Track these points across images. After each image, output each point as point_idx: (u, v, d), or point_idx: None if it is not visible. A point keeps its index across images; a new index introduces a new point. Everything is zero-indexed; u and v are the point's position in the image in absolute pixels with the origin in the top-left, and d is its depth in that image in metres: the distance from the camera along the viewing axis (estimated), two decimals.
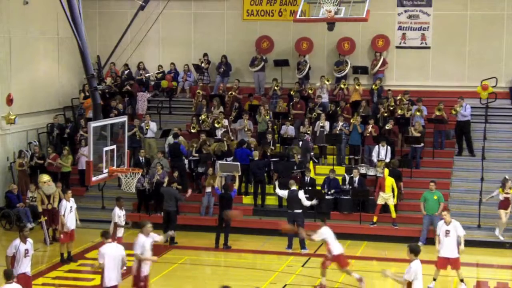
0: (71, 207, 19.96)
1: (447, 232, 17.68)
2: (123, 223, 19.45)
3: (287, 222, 21.07)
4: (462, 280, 17.94)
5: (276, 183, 22.34)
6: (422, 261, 19.97)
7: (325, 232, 17.75)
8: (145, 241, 15.35)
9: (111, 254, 14.80)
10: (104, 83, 18.34)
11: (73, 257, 20.29)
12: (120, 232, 19.47)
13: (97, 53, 23.31)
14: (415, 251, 13.99)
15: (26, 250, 15.28)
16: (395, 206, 22.70)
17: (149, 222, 15.80)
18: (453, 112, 24.91)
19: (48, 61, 27.99)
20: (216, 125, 25.53)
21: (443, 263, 17.81)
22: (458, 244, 17.74)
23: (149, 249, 15.41)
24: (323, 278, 17.81)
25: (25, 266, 15.33)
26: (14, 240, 15.32)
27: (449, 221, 17.80)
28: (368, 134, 24.52)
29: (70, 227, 19.96)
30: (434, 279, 17.92)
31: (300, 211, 21.28)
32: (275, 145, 25.10)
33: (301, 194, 21.28)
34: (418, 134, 24.32)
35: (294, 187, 21.45)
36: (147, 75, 28.73)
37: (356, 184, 23.12)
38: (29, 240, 15.43)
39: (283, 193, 21.71)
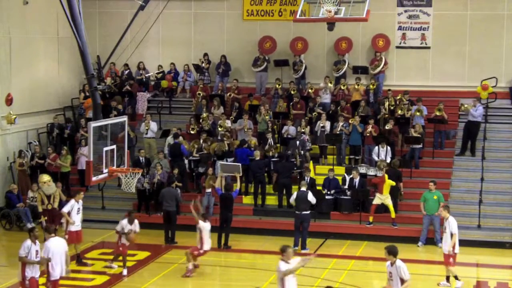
0: (78, 208, 19.55)
1: (444, 229, 17.97)
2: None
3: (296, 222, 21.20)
4: (456, 278, 17.95)
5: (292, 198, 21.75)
6: (423, 261, 20.07)
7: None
8: (285, 266, 13.64)
9: (55, 248, 15.12)
10: (104, 83, 18.33)
11: (82, 258, 20.09)
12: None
13: (97, 53, 23.29)
14: (393, 253, 13.83)
15: (37, 251, 15.11)
16: (395, 206, 22.70)
17: (291, 246, 14.41)
18: (462, 108, 24.87)
19: (48, 61, 27.99)
20: (219, 128, 25.47)
21: (443, 258, 18.12)
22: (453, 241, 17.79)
23: (291, 276, 13.72)
24: (190, 264, 18.92)
25: (36, 270, 15.18)
26: (25, 241, 15.07)
27: (446, 217, 17.87)
28: (368, 134, 24.51)
29: (77, 228, 19.62)
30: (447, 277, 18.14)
31: (308, 212, 21.28)
32: (276, 145, 25.03)
33: (310, 196, 21.25)
34: (418, 135, 24.30)
35: (303, 188, 21.41)
36: (147, 75, 28.73)
37: (356, 186, 23.10)
38: (37, 242, 15.27)
39: (293, 198, 21.57)
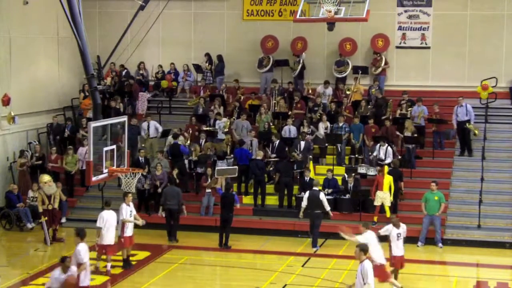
0: (131, 211, 19.22)
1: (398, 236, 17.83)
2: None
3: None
4: None
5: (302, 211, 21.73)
6: (423, 261, 19.99)
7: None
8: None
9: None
10: (104, 83, 18.34)
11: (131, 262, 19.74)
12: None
13: (97, 53, 23.30)
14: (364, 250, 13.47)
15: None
16: (395, 205, 22.69)
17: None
18: (476, 132, 24.73)
19: (48, 61, 27.99)
20: (225, 129, 25.44)
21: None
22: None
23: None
24: (98, 263, 18.61)
25: None
26: (54, 272, 14.27)
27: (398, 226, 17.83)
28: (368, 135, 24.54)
29: (132, 233, 19.33)
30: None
31: (320, 211, 21.32)
32: (281, 147, 24.93)
33: (323, 196, 21.26)
34: (409, 133, 24.27)
35: (316, 188, 21.40)
36: (144, 80, 28.66)
37: (351, 189, 23.16)
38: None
39: (306, 197, 21.47)
